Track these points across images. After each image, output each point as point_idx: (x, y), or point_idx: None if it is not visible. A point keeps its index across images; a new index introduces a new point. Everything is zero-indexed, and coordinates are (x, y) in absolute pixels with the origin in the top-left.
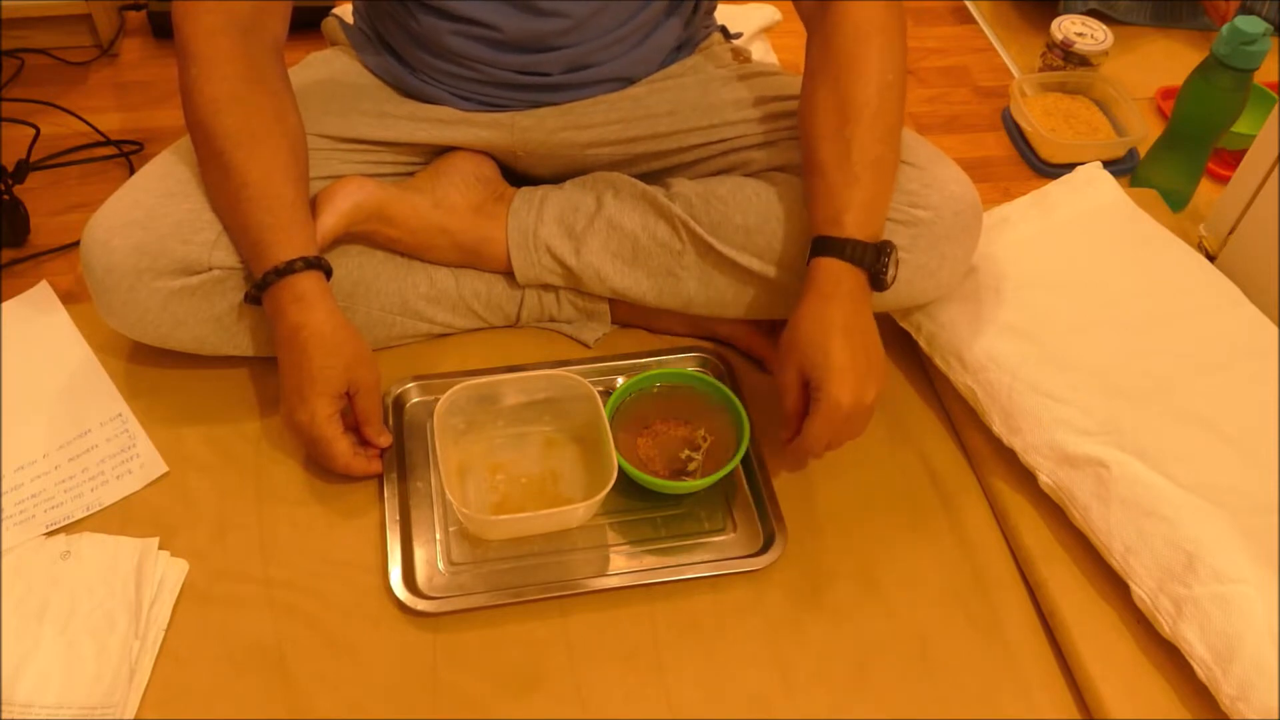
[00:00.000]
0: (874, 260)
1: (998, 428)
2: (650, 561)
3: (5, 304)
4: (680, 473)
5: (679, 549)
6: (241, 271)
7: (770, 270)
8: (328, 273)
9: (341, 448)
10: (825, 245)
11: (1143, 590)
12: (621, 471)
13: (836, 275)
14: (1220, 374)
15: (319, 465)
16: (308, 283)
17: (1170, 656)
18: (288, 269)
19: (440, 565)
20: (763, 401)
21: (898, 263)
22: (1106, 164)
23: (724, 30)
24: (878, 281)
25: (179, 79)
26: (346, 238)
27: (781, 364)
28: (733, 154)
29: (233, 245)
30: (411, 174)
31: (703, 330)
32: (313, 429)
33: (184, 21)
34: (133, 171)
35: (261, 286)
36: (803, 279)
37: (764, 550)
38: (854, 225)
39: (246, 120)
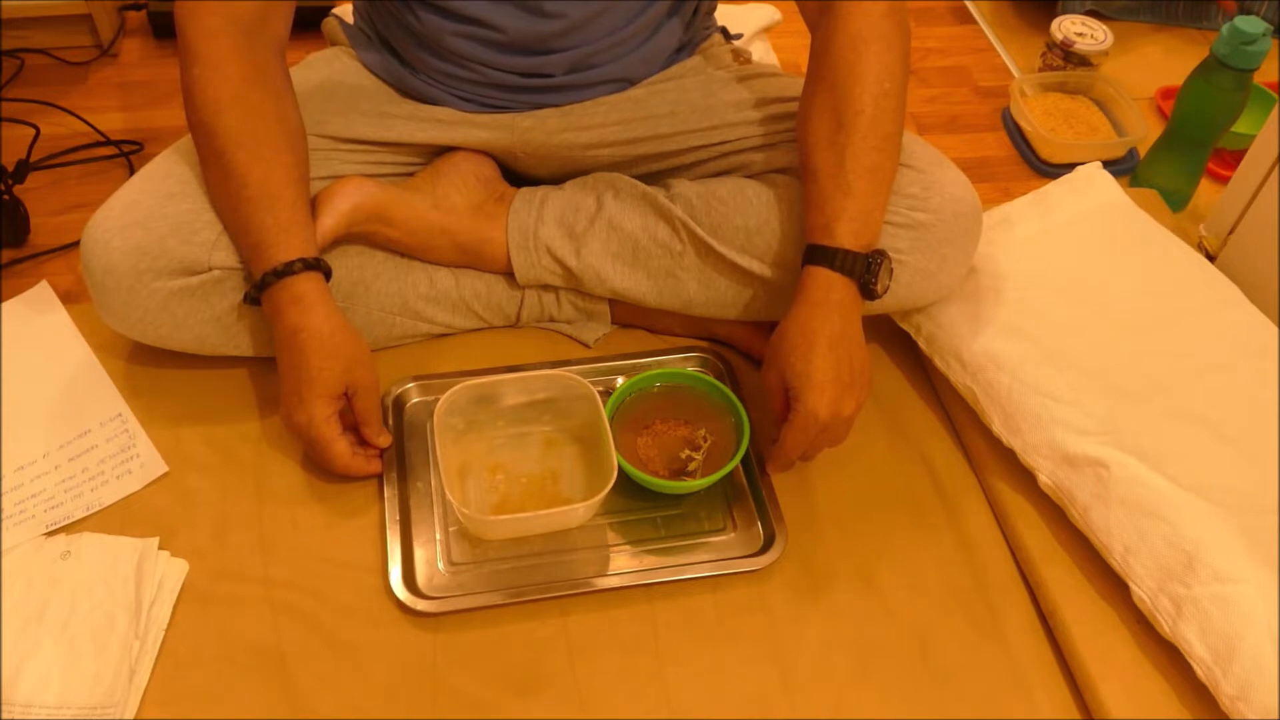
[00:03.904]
0: (863, 271)
1: (997, 428)
2: (650, 561)
3: (5, 304)
4: (680, 473)
5: (679, 549)
6: (241, 272)
7: (770, 272)
8: (327, 274)
9: (340, 448)
10: (817, 254)
11: (1143, 590)
12: (621, 471)
13: (826, 284)
14: (1220, 374)
15: (319, 466)
16: (307, 284)
17: (1170, 656)
18: (286, 270)
19: (440, 565)
20: (763, 401)
21: (891, 272)
22: (1106, 164)
23: (724, 31)
24: (868, 291)
25: (181, 78)
26: (346, 238)
27: (766, 368)
28: (733, 155)
29: (233, 245)
30: (411, 174)
31: (702, 330)
32: (311, 430)
33: (186, 22)
34: (133, 171)
35: (260, 287)
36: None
37: (764, 550)
38: (846, 234)
39: (247, 121)
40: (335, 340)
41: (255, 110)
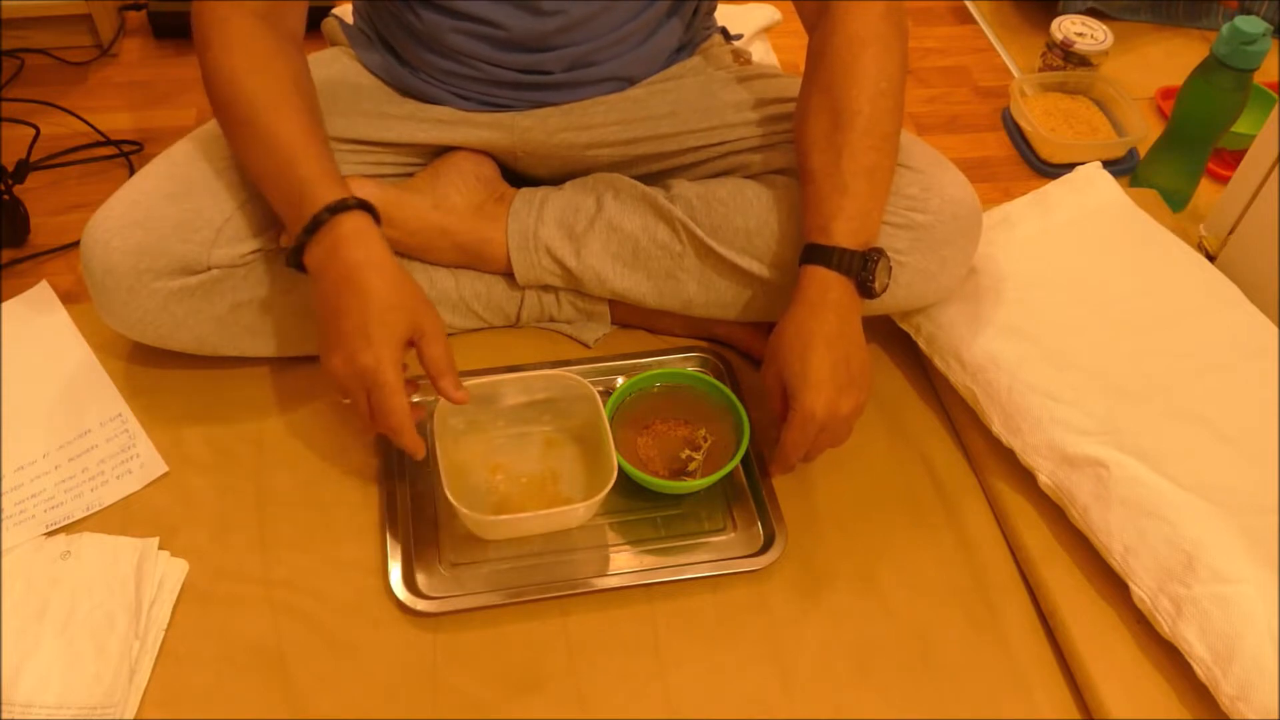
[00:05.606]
0: (860, 269)
1: (997, 428)
2: (650, 561)
3: (5, 304)
4: (680, 473)
5: (679, 549)
6: (241, 270)
7: (770, 273)
8: (376, 218)
9: (402, 401)
10: (814, 253)
11: (1143, 590)
12: (621, 471)
13: (824, 283)
14: (1220, 374)
15: (370, 419)
16: (363, 220)
17: (1170, 656)
18: (340, 206)
19: (440, 565)
20: (763, 401)
21: (889, 271)
22: (1106, 164)
23: (724, 31)
24: (866, 290)
25: (201, 70)
26: None
27: (764, 368)
28: (733, 156)
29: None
30: (411, 174)
31: (702, 331)
32: (379, 374)
33: (200, 18)
34: (133, 171)
35: (312, 229)
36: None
37: (764, 550)
38: (843, 233)
39: (268, 85)
40: (400, 276)
41: (274, 75)
